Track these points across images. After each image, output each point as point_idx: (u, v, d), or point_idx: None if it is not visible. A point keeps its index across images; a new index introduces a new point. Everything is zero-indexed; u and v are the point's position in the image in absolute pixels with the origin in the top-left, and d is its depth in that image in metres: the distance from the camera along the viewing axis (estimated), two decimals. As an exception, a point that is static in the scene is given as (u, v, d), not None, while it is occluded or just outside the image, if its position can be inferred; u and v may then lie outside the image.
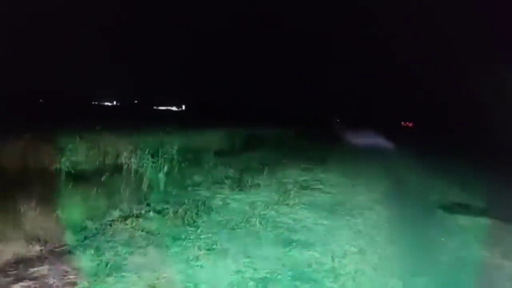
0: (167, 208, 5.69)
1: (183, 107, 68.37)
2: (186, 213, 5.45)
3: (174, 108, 67.61)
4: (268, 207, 6.25)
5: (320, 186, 8.46)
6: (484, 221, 6.46)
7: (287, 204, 6.55)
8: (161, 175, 7.03)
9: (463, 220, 6.47)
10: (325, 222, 5.78)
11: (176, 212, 5.49)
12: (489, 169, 12.58)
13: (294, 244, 4.69)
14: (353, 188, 8.63)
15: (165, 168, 7.30)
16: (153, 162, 7.21)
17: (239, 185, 7.77)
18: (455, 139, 17.43)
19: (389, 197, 7.97)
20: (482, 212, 6.94)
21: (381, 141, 21.58)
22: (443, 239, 5.46)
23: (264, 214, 5.85)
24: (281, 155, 13.25)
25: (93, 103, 67.48)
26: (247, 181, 8.12)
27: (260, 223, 5.35)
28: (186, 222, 5.18)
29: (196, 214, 5.55)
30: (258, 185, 7.97)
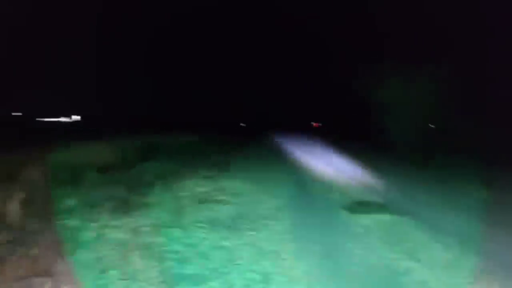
0: (13, 252, 4.19)
1: (79, 117, 61.66)
2: (38, 258, 4.04)
3: (64, 119, 60.53)
4: (155, 233, 5.13)
5: (222, 197, 7.61)
6: (384, 218, 6.33)
7: (180, 226, 5.51)
8: (14, 205, 5.38)
9: (366, 219, 6.23)
10: (225, 243, 4.90)
11: (27, 254, 4.05)
12: (384, 167, 13.28)
13: (184, 281, 3.70)
14: (257, 195, 7.98)
15: (23, 195, 5.66)
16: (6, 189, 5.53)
17: (123, 207, 6.46)
18: (359, 138, 18.41)
19: (293, 201, 7.50)
20: (381, 209, 6.85)
21: (290, 143, 21.82)
22: (350, 245, 5.05)
23: (149, 244, 4.73)
24: (181, 164, 12.06)
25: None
26: (134, 201, 6.85)
27: (142, 257, 4.23)
28: (35, 270, 3.80)
29: (56, 254, 4.18)
30: (147, 204, 6.76)
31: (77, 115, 62.64)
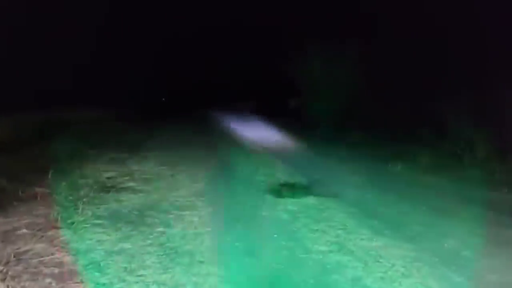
0: None
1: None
2: None
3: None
4: (35, 238, 3.95)
5: (130, 184, 6.51)
6: (310, 201, 5.90)
7: (71, 224, 4.37)
8: None
9: (291, 204, 5.72)
10: (127, 245, 3.94)
11: None
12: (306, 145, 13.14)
13: (58, 311, 2.70)
14: (173, 179, 7.03)
15: None
16: None
17: (1, 201, 5.04)
18: (282, 116, 18.14)
19: (214, 185, 6.72)
20: (306, 191, 6.43)
21: (213, 120, 20.73)
22: (276, 237, 4.46)
23: (23, 253, 3.56)
24: (86, 145, 10.43)
25: None
26: (16, 193, 5.43)
27: (6, 277, 3.09)
28: None
29: None
30: (34, 196, 5.40)
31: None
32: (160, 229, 4.45)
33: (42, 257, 3.51)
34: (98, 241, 3.98)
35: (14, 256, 3.49)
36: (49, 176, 6.42)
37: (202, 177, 7.26)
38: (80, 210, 4.84)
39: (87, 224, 4.45)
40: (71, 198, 5.40)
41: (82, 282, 3.10)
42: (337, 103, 15.08)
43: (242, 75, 26.80)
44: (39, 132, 11.23)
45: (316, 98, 15.20)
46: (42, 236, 3.98)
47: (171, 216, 4.93)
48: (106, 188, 6.11)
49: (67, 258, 3.55)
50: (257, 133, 14.25)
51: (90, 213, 4.81)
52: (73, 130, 12.36)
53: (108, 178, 6.80)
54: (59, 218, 4.51)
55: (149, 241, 4.08)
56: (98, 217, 4.69)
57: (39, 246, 3.73)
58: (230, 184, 6.98)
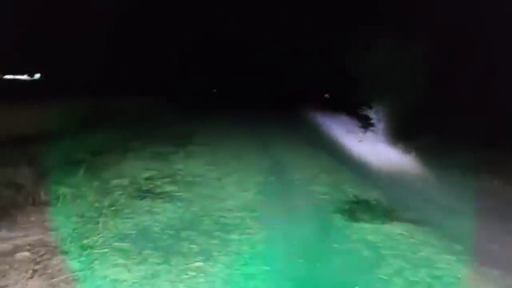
0: None
1: (38, 75, 56.23)
2: None
3: (24, 77, 55.10)
4: (31, 270, 2.91)
5: (170, 188, 5.40)
6: (395, 230, 4.37)
7: (85, 249, 3.30)
8: None
9: (370, 233, 4.25)
10: (148, 291, 2.77)
11: None
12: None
13: None
14: (220, 185, 5.83)
15: None
16: None
17: (14, 205, 4.15)
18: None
19: (268, 196, 5.42)
20: (387, 214, 4.89)
21: (273, 113, 19.31)
22: (357, 289, 3.06)
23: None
24: (129, 136, 9.67)
25: None
26: (39, 194, 4.54)
27: None
28: None
29: None
30: (56, 201, 4.47)
31: (38, 72, 57.21)
32: (198, 263, 3.24)
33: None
34: (113, 280, 2.85)
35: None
36: (80, 173, 5.54)
37: (255, 183, 5.99)
38: (101, 225, 3.79)
39: (105, 248, 3.36)
40: (96, 205, 4.40)
41: None
42: (408, 102, 13.04)
43: (307, 70, 24.91)
44: (85, 120, 10.69)
45: (384, 96, 13.24)
46: (44, 267, 2.94)
47: (214, 242, 3.70)
48: (141, 193, 5.06)
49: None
50: (320, 132, 12.73)
51: (113, 230, 3.73)
52: (120, 119, 11.76)
53: (146, 179, 5.77)
54: (72, 238, 3.47)
55: (181, 286, 2.88)
56: (122, 238, 3.59)
57: (32, 285, 2.67)
58: (287, 195, 5.63)
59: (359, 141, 12.36)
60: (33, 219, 3.83)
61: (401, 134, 12.72)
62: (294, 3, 24.81)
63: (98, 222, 3.85)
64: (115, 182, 5.45)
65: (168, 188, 5.41)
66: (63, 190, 4.85)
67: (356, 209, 4.98)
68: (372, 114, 13.48)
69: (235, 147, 9.14)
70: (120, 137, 9.05)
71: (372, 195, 5.71)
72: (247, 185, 5.87)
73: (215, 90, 47.67)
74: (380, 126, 13.43)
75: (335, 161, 8.69)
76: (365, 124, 13.65)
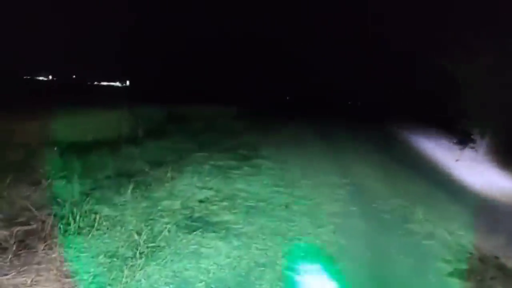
0: None
1: (127, 82, 61.08)
2: None
3: (117, 84, 60.29)
4: None
5: (227, 217, 4.33)
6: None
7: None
8: None
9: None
10: None
11: None
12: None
13: None
14: (288, 214, 4.61)
15: None
16: None
17: (36, 232, 3.41)
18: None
19: (352, 240, 4.04)
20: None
21: (355, 126, 17.65)
22: None
23: None
24: (197, 143, 8.96)
25: (24, 77, 58.29)
26: (73, 219, 3.78)
27: None
28: None
29: None
30: (92, 226, 3.66)
31: (128, 80, 62.05)
32: None
33: None
34: None
35: None
36: (129, 191, 4.76)
37: (332, 216, 4.66)
38: (126, 273, 2.81)
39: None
40: (134, 238, 3.47)
41: None
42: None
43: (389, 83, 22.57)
44: (153, 127, 10.32)
45: (487, 108, 10.84)
46: None
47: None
48: (191, 222, 4.06)
49: None
50: (409, 149, 10.81)
51: (142, 282, 2.73)
52: (188, 127, 11.23)
53: (201, 201, 4.79)
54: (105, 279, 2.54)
55: None
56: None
57: None
58: (376, 238, 4.18)
59: (456, 160, 10.18)
60: (54, 255, 3.01)
61: (509, 154, 10.25)
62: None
63: (124, 267, 2.89)
64: (164, 204, 4.55)
65: (225, 216, 4.34)
66: (102, 212, 4.07)
67: (485, 273, 3.36)
68: (472, 128, 11.12)
69: (306, 164, 7.85)
70: (183, 147, 8.35)
71: (498, 245, 3.99)
72: (322, 218, 4.56)
73: (288, 97, 46.68)
74: (482, 143, 11.02)
75: (431, 186, 6.91)
76: (463, 140, 11.32)
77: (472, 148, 11.07)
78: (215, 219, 4.24)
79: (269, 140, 10.63)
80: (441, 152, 10.77)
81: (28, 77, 59.10)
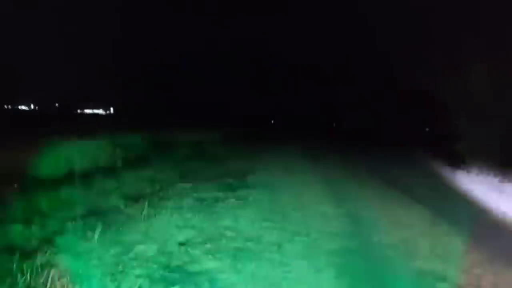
0: None
1: (111, 110, 60.21)
2: None
3: (100, 111, 59.38)
4: None
5: (210, 263, 3.69)
6: None
7: None
8: None
9: None
10: None
11: None
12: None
13: None
14: (280, 256, 3.99)
15: None
16: None
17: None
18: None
19: (355, 284, 3.45)
20: None
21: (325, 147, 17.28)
22: None
23: None
24: (180, 172, 8.33)
25: (5, 107, 56.74)
26: (25, 276, 3.08)
27: None
28: None
29: None
30: (45, 285, 2.98)
31: (111, 107, 61.12)
32: None
33: None
34: None
35: None
36: (96, 235, 4.08)
37: (330, 255, 4.06)
38: None
39: None
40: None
41: None
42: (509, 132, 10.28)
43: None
44: (133, 156, 9.66)
45: (478, 126, 10.64)
46: None
47: None
48: (167, 274, 3.40)
49: None
50: (399, 170, 10.36)
51: None
52: (172, 154, 10.61)
53: (181, 244, 4.13)
54: None
55: None
56: None
57: None
58: (381, 281, 3.60)
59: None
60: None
61: (504, 174, 9.94)
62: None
63: None
64: (138, 250, 3.88)
65: (208, 263, 3.70)
66: (61, 265, 3.38)
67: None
68: (462, 148, 10.87)
69: (297, 192, 7.29)
70: (164, 178, 7.70)
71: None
72: (320, 259, 3.96)
73: (273, 121, 46.54)
74: (474, 162, 10.73)
75: (432, 213, 6.41)
76: (454, 160, 11.03)
77: (463, 169, 10.76)
78: (197, 267, 3.59)
79: (257, 167, 10.07)
80: (435, 173, 10.40)
81: (9, 106, 57.61)
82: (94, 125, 24.33)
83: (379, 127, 22.73)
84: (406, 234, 5.05)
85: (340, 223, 5.37)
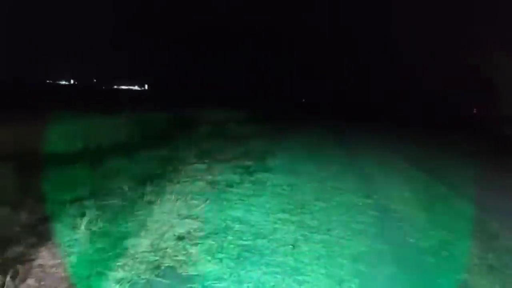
0: None
1: (146, 86, 60.95)
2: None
3: (136, 88, 60.28)
4: None
5: (210, 266, 3.03)
6: None
7: None
8: None
9: None
10: None
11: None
12: None
13: None
14: (295, 260, 3.26)
15: None
16: None
17: None
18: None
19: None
20: None
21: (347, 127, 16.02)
22: None
23: None
24: (196, 153, 7.71)
25: (47, 81, 58.94)
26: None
27: None
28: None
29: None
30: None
31: (147, 83, 61.78)
32: None
33: None
34: None
35: None
36: (84, 223, 3.52)
37: (354, 259, 3.27)
38: None
39: None
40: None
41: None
42: None
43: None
44: (153, 134, 9.18)
45: None
46: None
47: None
48: (153, 279, 2.78)
49: None
50: (442, 160, 9.17)
51: None
52: (189, 133, 10.04)
53: (179, 238, 3.49)
54: None
55: None
56: None
57: None
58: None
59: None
60: None
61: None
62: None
63: None
64: (127, 244, 3.28)
65: (206, 265, 3.03)
66: (35, 259, 2.84)
67: None
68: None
69: (321, 178, 6.46)
70: (180, 157, 7.12)
71: None
72: (343, 266, 3.18)
73: (303, 100, 44.96)
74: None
75: (477, 209, 5.40)
76: (502, 145, 9.66)
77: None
78: (191, 271, 2.94)
79: (279, 148, 9.28)
80: (478, 161, 9.15)
81: (51, 81, 59.78)
82: (125, 101, 24.36)
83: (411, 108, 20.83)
84: (446, 234, 4.14)
85: (368, 217, 4.53)
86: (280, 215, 4.37)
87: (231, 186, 5.44)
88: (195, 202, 4.57)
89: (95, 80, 62.31)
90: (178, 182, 5.42)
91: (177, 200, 4.53)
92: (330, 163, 7.84)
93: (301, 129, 15.66)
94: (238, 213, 4.32)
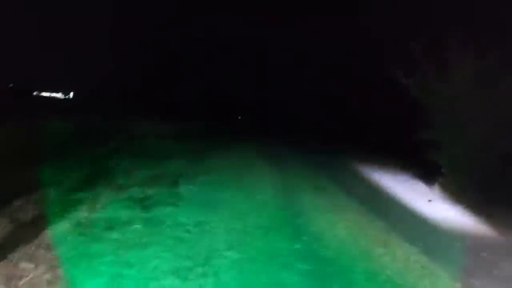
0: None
1: (71, 94, 55.01)
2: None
3: (59, 95, 54.07)
4: None
5: None
6: None
7: None
8: None
9: None
10: None
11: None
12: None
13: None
14: None
15: None
16: None
17: None
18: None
19: None
20: None
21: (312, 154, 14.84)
22: None
23: None
24: (86, 174, 5.84)
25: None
26: None
27: None
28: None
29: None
30: None
31: (72, 91, 55.88)
32: None
33: None
34: None
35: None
36: None
37: None
38: None
39: None
40: None
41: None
42: (495, 145, 8.66)
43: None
44: (47, 145, 7.11)
45: (459, 135, 8.92)
46: None
47: None
48: None
49: None
50: (369, 185, 8.33)
51: None
52: (97, 147, 8.11)
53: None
54: None
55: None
56: None
57: None
58: None
59: (429, 200, 7.97)
60: None
61: (487, 192, 8.31)
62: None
63: None
64: None
65: None
66: None
67: None
68: (443, 159, 9.10)
69: (243, 211, 5.07)
70: (57, 181, 5.21)
71: None
72: None
73: (240, 117, 43.94)
74: (453, 177, 9.01)
75: (406, 240, 4.44)
76: (433, 174, 9.29)
77: (442, 184, 9.06)
78: None
79: (201, 170, 7.73)
80: (407, 189, 8.59)
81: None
82: (46, 108, 20.86)
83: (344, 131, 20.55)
84: (375, 264, 2.97)
85: (297, 276, 3.20)
86: (168, 282, 2.84)
87: (110, 228, 3.77)
88: (27, 264, 2.82)
89: (11, 85, 54.77)
90: (102, 196, 3.60)
91: (84, 229, 2.75)
92: (254, 191, 6.50)
93: (237, 146, 14.29)
94: (98, 282, 2.68)
